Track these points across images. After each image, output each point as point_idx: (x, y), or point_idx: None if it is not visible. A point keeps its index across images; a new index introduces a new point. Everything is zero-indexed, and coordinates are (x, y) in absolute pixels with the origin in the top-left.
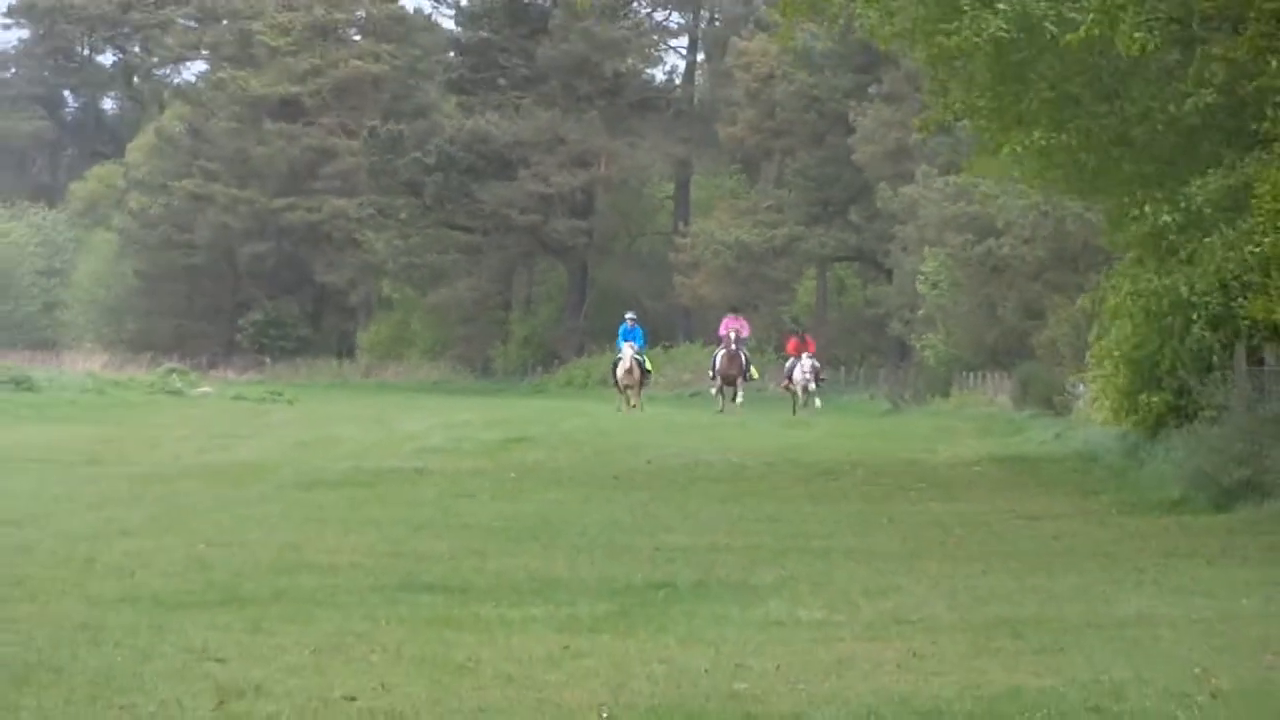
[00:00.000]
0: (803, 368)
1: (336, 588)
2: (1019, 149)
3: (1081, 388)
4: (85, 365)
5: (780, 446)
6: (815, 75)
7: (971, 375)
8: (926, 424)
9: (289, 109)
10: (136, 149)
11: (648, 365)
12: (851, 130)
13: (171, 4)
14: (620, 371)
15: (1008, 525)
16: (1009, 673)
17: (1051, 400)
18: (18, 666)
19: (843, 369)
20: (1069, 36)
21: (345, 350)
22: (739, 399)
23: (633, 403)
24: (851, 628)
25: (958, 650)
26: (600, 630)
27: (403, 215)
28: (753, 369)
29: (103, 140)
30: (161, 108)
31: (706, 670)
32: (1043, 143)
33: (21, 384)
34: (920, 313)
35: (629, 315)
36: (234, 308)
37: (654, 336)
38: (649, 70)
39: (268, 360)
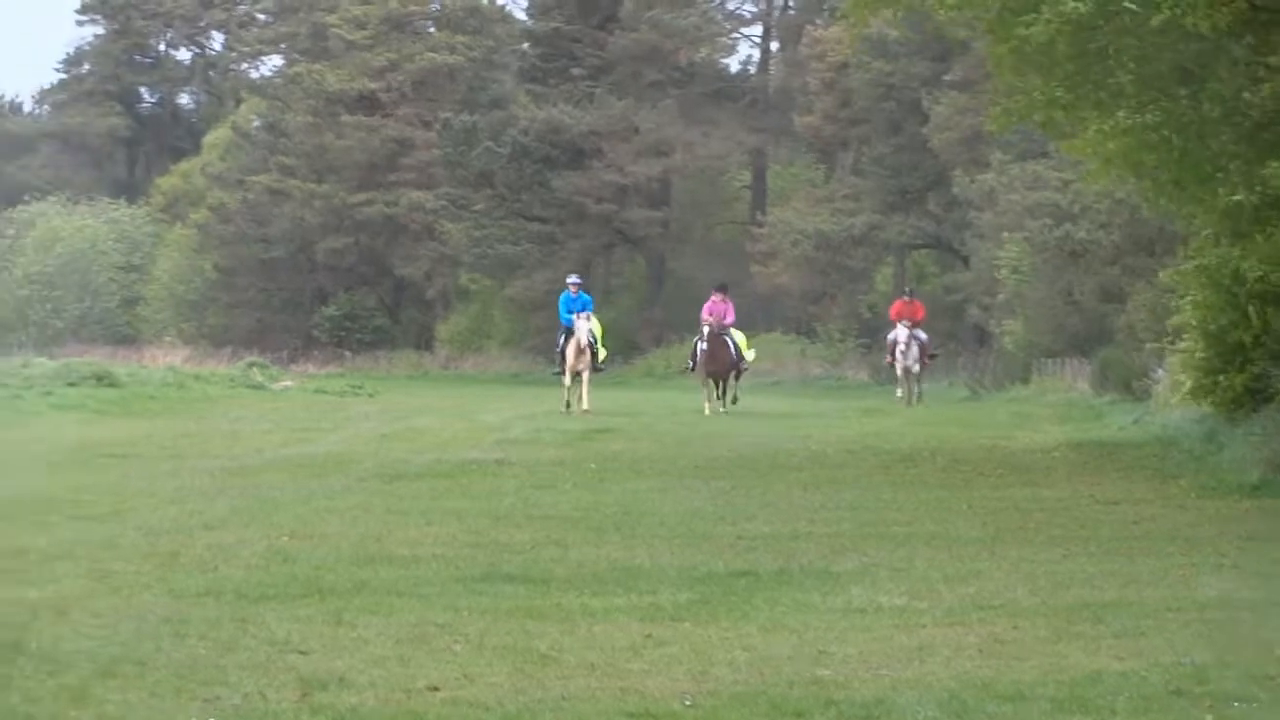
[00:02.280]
0: (900, 344)
1: (418, 579)
2: (1106, 128)
3: (1160, 372)
4: (166, 360)
5: (860, 434)
6: (890, 63)
7: (1050, 361)
8: (1005, 410)
9: (365, 102)
10: (213, 145)
11: (600, 345)
12: (927, 118)
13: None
14: (570, 353)
15: (1087, 510)
16: (1090, 656)
17: (1130, 385)
18: (103, 660)
19: None
20: (1153, 20)
21: (424, 342)
22: (734, 397)
23: (581, 400)
24: (933, 613)
25: (1039, 635)
26: (682, 618)
27: (478, 206)
28: (747, 353)
29: (179, 136)
30: (238, 103)
31: (789, 657)
32: (1128, 123)
33: (103, 379)
34: (999, 299)
35: (572, 279)
36: (312, 301)
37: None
38: (723, 59)
39: (347, 353)
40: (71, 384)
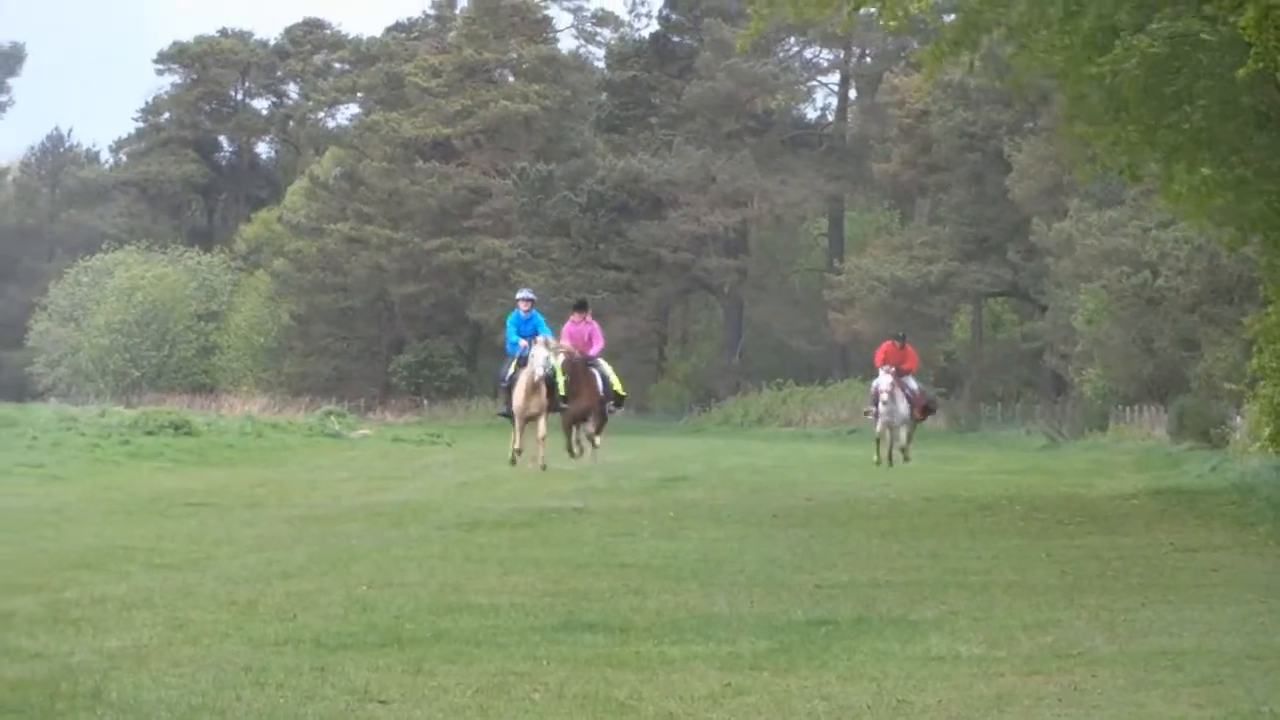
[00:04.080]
0: (884, 392)
1: (498, 628)
2: (1193, 181)
3: (1238, 419)
4: (244, 408)
5: (938, 482)
6: (972, 111)
7: (1128, 409)
8: (1083, 458)
9: (441, 150)
10: (293, 193)
11: (560, 383)
12: (1007, 166)
13: (326, 49)
14: (519, 391)
15: (1166, 558)
16: (1169, 705)
17: (1208, 433)
18: (182, 709)
19: (999, 404)
20: (1239, 71)
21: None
22: (594, 446)
23: (538, 453)
24: (1012, 662)
25: (1118, 683)
26: (761, 667)
27: (555, 255)
28: (616, 385)
29: (258, 184)
30: (316, 151)
31: (868, 706)
32: (1215, 179)
33: (180, 428)
34: (1077, 347)
35: (522, 295)
36: (389, 349)
37: (808, 374)
38: (800, 107)
39: (424, 401)
40: (149, 433)
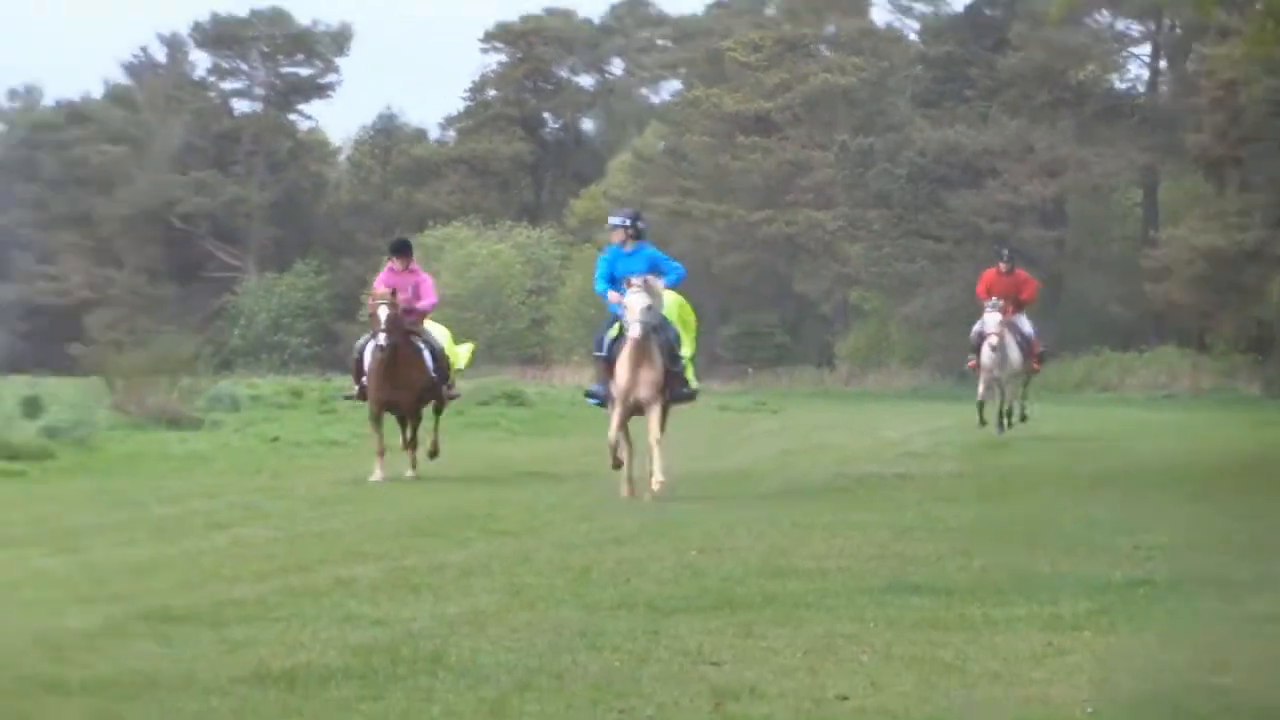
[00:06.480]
0: (991, 335)
1: (825, 591)
2: None
3: None
4: (574, 379)
5: (1254, 444)
6: (1278, 79)
7: None
8: None
9: (761, 124)
10: (617, 168)
11: (683, 346)
12: None
13: (649, 25)
14: (623, 363)
15: None
16: None
17: None
18: (520, 672)
19: None
20: None
21: (825, 359)
22: (432, 446)
23: (650, 460)
24: None
25: None
26: (1082, 627)
27: (875, 227)
28: (458, 361)
29: (583, 160)
30: (638, 127)
31: (1188, 665)
32: None
33: (514, 399)
34: None
35: (617, 219)
36: (714, 319)
37: (1125, 340)
38: (1111, 78)
39: (750, 370)
40: (483, 403)
